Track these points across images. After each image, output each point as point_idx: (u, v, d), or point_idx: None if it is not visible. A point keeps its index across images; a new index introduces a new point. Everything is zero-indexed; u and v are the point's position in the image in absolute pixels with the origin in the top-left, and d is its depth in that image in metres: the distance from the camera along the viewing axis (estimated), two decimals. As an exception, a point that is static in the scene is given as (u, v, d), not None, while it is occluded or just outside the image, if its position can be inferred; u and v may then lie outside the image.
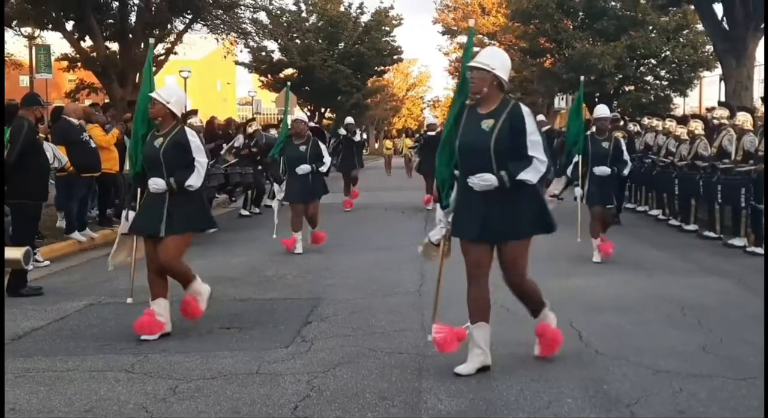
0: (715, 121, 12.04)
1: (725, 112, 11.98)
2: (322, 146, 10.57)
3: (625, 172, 10.20)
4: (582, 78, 12.25)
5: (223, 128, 16.25)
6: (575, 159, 10.00)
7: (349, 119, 16.70)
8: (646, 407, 4.44)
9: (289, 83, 13.92)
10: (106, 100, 19.12)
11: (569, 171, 10.25)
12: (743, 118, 11.02)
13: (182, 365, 5.26)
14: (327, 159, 10.54)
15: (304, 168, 10.26)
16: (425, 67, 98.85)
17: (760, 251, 10.00)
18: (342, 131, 17.28)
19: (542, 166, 4.93)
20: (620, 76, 29.67)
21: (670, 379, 4.93)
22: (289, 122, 10.89)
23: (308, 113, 38.78)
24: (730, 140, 11.11)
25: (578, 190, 9.95)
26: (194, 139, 6.17)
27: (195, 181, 6.03)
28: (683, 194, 12.86)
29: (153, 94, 6.14)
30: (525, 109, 5.02)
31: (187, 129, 6.26)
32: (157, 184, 5.99)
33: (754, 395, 4.63)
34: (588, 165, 9.79)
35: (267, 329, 6.30)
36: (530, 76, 36.81)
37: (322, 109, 42.92)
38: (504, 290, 7.73)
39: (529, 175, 4.92)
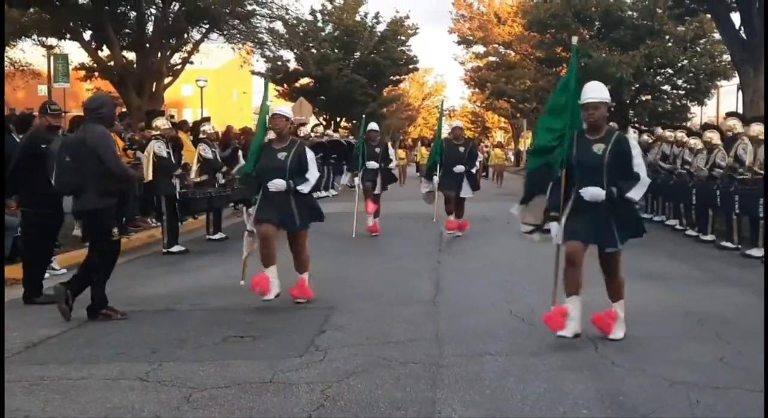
0: (729, 133, 11.97)
1: (737, 122, 11.92)
2: (310, 156, 7.70)
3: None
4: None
5: (239, 137, 16.33)
6: None
7: (373, 125, 13.74)
8: (663, 418, 4.40)
9: (269, 72, 12.85)
10: (123, 109, 19.22)
11: None
12: (758, 129, 10.96)
13: (196, 374, 5.26)
14: (312, 175, 7.58)
15: (278, 184, 7.43)
16: (441, 76, 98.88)
17: (779, 261, 9.90)
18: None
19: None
20: (637, 85, 29.57)
21: (687, 390, 4.88)
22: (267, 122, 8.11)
23: (323, 123, 38.87)
24: (745, 150, 11.05)
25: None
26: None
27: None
28: (700, 204, 12.76)
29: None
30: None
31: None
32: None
33: (773, 408, 4.58)
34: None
35: (281, 337, 6.30)
36: (547, 86, 36.69)
37: (338, 119, 43.01)
38: (520, 301, 7.72)
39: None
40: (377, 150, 13.34)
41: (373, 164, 13.18)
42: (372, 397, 4.78)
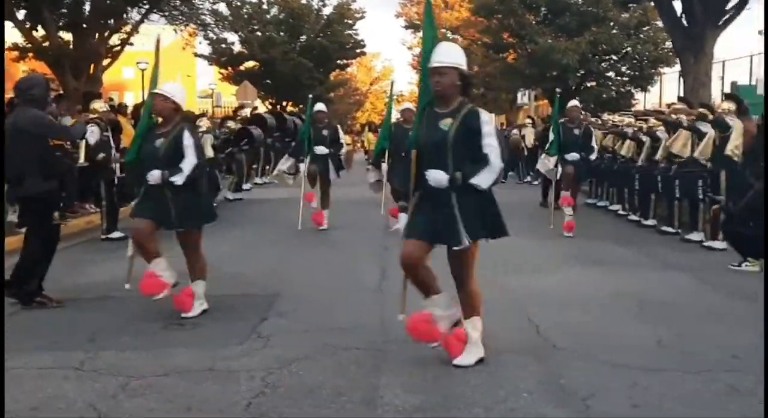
0: (673, 116, 12.16)
1: (684, 107, 12.15)
2: (188, 142, 6.48)
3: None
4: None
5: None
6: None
7: (321, 106, 12.50)
8: (602, 400, 4.44)
9: (158, 43, 7.17)
10: (60, 92, 18.72)
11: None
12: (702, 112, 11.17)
13: (134, 362, 5.15)
14: (187, 164, 6.42)
15: (154, 175, 6.42)
16: (388, 61, 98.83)
17: (717, 245, 10.11)
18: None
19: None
20: (582, 72, 29.89)
21: (626, 373, 4.94)
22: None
23: (269, 107, 38.51)
24: (687, 137, 11.26)
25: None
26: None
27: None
28: (643, 190, 12.97)
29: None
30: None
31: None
32: None
33: (708, 389, 4.67)
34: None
35: (223, 325, 6.20)
36: (494, 72, 36.90)
37: (284, 103, 42.64)
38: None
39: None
40: (325, 133, 12.09)
41: (321, 149, 11.92)
42: (314, 383, 4.74)
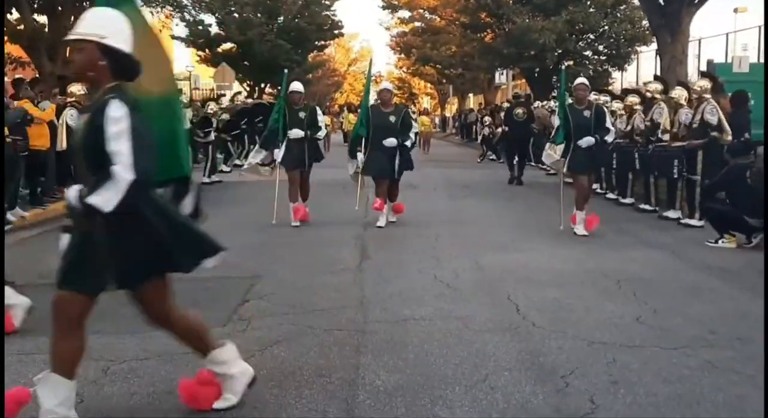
0: (649, 95, 12.25)
1: (659, 86, 12.21)
2: (112, 115, 5.17)
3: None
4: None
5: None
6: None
7: (297, 85, 11.05)
8: (581, 377, 4.49)
9: None
10: (36, 75, 18.50)
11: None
12: (679, 93, 11.24)
13: (115, 346, 5.13)
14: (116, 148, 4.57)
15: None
16: (366, 41, 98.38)
17: (694, 222, 10.22)
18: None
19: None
20: (560, 51, 29.91)
21: (605, 350, 5.00)
22: None
23: (248, 89, 38.27)
24: (661, 113, 11.36)
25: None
26: None
27: None
28: (620, 167, 13.06)
29: None
30: None
31: None
32: None
33: (685, 365, 4.73)
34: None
35: (203, 308, 6.13)
36: (472, 52, 36.85)
37: (262, 85, 42.38)
38: (445, 266, 7.78)
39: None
40: (302, 115, 10.68)
41: (297, 133, 10.55)
42: (296, 365, 4.75)
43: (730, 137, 9.88)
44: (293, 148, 10.60)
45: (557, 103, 11.17)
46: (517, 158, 17.47)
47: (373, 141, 10.46)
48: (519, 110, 18.39)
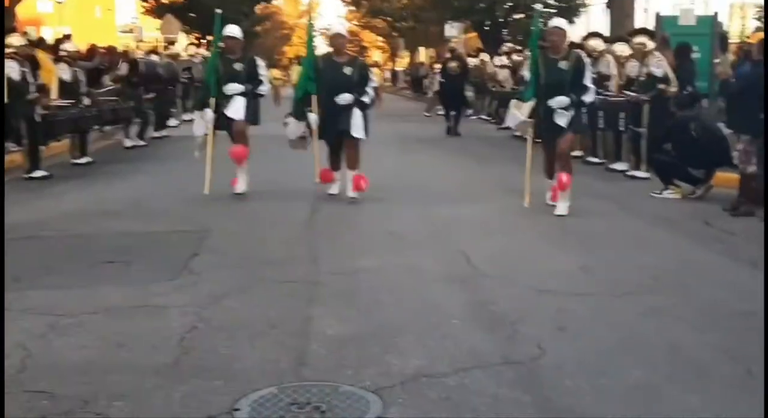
0: (594, 52, 12.33)
1: (599, 42, 12.32)
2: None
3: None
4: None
5: (106, 57, 15.55)
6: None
7: (233, 29, 9.27)
8: (529, 324, 4.58)
9: None
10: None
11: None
12: (621, 48, 11.39)
13: (63, 301, 5.06)
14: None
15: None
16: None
17: (640, 174, 10.40)
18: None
19: None
20: (510, 4, 29.85)
21: (552, 298, 5.10)
22: None
23: (196, 42, 37.47)
24: (608, 66, 11.49)
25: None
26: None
27: None
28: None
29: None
30: None
31: None
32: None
33: (629, 310, 4.86)
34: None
35: (153, 261, 6.14)
36: (422, 4, 36.58)
37: (209, 37, 41.60)
38: (395, 218, 7.81)
39: None
40: (238, 67, 8.88)
41: (234, 87, 8.76)
42: (248, 316, 4.76)
43: (674, 89, 10.01)
44: (229, 107, 8.81)
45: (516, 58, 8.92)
46: (454, 112, 17.62)
47: (326, 97, 8.59)
48: (453, 64, 18.47)
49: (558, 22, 8.37)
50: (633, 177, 10.47)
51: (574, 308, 4.91)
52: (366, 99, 8.70)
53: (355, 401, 3.58)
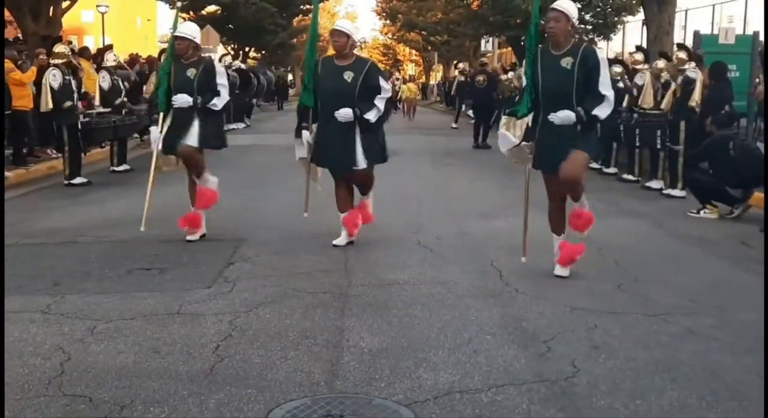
0: (633, 66, 12.31)
1: (640, 57, 12.27)
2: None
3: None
4: None
5: (144, 66, 15.80)
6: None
7: (187, 28, 7.45)
8: (563, 342, 4.56)
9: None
10: (18, 35, 18.25)
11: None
12: (662, 64, 11.28)
13: (100, 306, 5.15)
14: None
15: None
16: (351, 7, 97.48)
17: (676, 193, 10.31)
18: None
19: None
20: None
21: (586, 316, 5.07)
22: None
23: (231, 52, 37.91)
24: (642, 78, 11.45)
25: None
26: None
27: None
28: (605, 137, 13.08)
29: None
30: None
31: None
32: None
33: (665, 331, 4.81)
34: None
35: (188, 269, 6.22)
36: (458, 19, 36.64)
37: (246, 49, 42.01)
38: (428, 231, 7.82)
39: None
40: (190, 74, 7.00)
41: (182, 99, 6.95)
42: (281, 326, 4.80)
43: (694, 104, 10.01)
44: (177, 122, 7.05)
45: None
46: (482, 125, 17.73)
47: (321, 112, 6.87)
48: (480, 78, 18.45)
49: (559, 3, 6.01)
50: (669, 196, 10.37)
51: (609, 326, 4.87)
52: (370, 116, 6.73)
53: (389, 415, 3.59)
